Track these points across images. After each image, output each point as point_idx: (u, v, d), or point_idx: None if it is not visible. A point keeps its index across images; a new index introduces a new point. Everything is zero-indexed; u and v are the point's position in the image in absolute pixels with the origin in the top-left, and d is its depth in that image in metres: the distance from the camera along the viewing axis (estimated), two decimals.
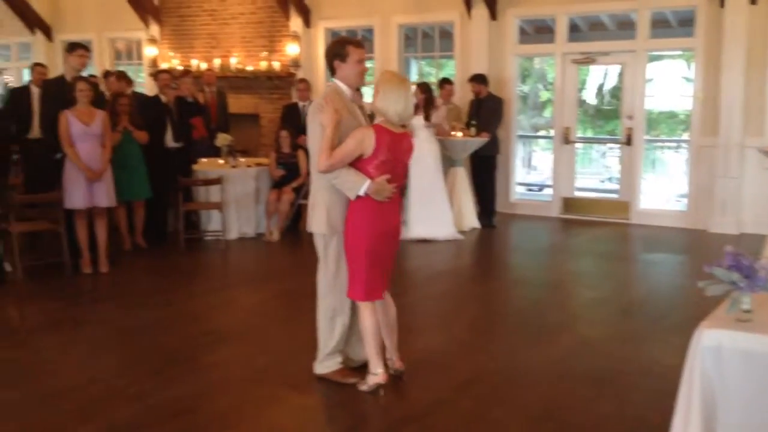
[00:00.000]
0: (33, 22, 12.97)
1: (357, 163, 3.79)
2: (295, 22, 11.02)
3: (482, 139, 8.68)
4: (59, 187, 6.56)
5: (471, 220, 8.80)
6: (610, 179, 12.83)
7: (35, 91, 8.15)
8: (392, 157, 3.81)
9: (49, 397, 4.03)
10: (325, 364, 4.18)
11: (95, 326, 5.36)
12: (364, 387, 4.01)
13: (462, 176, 8.79)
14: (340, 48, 3.94)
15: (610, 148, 13.17)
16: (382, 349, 4.08)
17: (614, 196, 10.18)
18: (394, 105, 3.79)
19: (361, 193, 3.77)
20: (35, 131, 7.87)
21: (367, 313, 3.95)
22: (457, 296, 6.24)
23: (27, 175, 7.97)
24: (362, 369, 4.10)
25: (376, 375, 3.97)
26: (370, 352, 3.98)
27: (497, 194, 9.32)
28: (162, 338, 5.03)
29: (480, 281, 6.77)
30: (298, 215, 8.57)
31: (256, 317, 5.64)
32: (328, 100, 3.85)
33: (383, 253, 3.91)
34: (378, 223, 3.84)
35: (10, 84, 13.30)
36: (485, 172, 9.04)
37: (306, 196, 8.32)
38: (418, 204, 7.93)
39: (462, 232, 8.38)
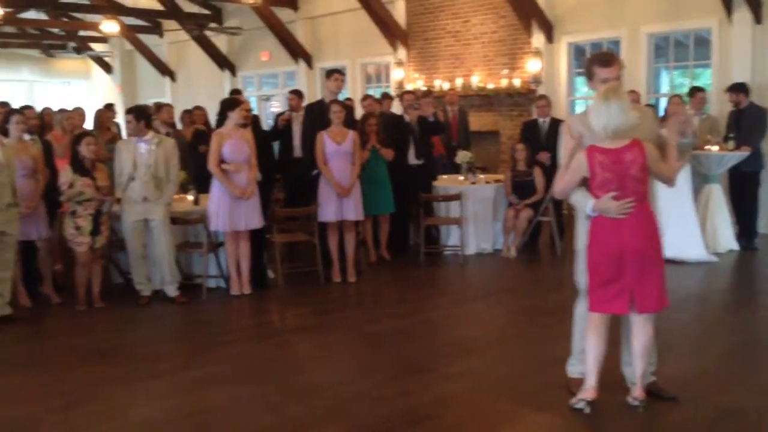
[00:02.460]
0: (297, 52, 14.31)
1: (587, 183, 3.82)
2: (537, 39, 10.96)
3: (742, 154, 7.93)
4: (315, 202, 7.15)
5: (728, 241, 8.06)
6: None
7: (293, 115, 8.99)
8: (612, 174, 3.72)
9: (302, 394, 4.40)
10: (573, 368, 4.21)
11: (344, 331, 5.74)
12: (572, 400, 3.94)
13: (717, 194, 8.08)
14: (587, 67, 3.97)
15: None
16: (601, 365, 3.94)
17: None
18: (595, 119, 3.72)
19: (588, 212, 3.80)
20: (296, 151, 8.65)
21: (590, 323, 3.92)
22: (710, 323, 5.75)
23: (288, 190, 8.79)
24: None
25: (584, 390, 3.91)
26: (586, 364, 3.93)
27: (760, 214, 8.43)
28: (405, 346, 5.26)
29: (737, 308, 6.17)
30: (537, 232, 8.47)
31: (497, 331, 5.67)
32: (567, 124, 3.95)
33: (617, 271, 3.78)
34: (609, 241, 3.77)
35: (275, 109, 14.75)
36: (746, 189, 8.23)
37: (545, 213, 8.25)
38: (664, 222, 7.42)
39: (717, 254, 7.71)
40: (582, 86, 11.06)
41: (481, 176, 8.83)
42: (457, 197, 8.03)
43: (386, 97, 8.89)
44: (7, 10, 12.91)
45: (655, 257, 3.81)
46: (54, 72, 20.92)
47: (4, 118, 6.43)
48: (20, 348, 5.50)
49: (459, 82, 11.74)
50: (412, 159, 8.35)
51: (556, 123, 8.40)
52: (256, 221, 6.67)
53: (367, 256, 8.05)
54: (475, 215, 8.31)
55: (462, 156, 8.92)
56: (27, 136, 6.66)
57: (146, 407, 4.30)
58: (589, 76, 3.94)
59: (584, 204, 3.82)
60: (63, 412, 4.22)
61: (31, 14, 15.70)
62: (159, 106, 9.27)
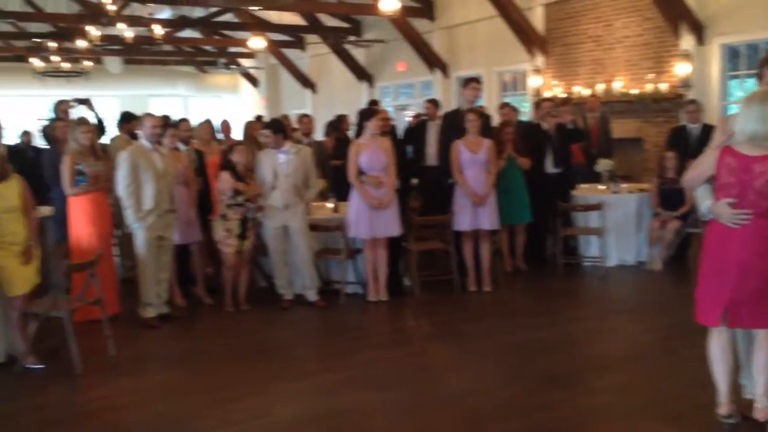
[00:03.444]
0: (433, 62, 14.42)
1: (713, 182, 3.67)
2: (686, 41, 10.42)
3: None
4: (450, 211, 7.16)
5: None
6: None
7: (430, 124, 9.05)
8: (736, 180, 3.50)
9: (440, 402, 4.41)
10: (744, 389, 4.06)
11: (480, 341, 5.70)
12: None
13: None
14: (760, 66, 3.83)
15: None
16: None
17: None
18: (742, 124, 3.51)
19: (704, 211, 3.69)
20: (431, 159, 8.71)
21: (711, 337, 3.78)
22: None
23: (424, 199, 8.86)
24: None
25: (718, 404, 3.80)
26: (715, 378, 3.81)
27: None
28: (543, 358, 5.15)
29: None
30: (686, 244, 8.03)
31: (640, 347, 5.43)
32: (724, 119, 3.81)
33: (723, 282, 3.58)
34: (718, 249, 3.59)
35: (409, 119, 14.92)
36: None
37: (695, 224, 7.78)
38: None
39: None
40: (737, 90, 10.38)
41: (624, 185, 8.49)
42: (597, 207, 7.77)
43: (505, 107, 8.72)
44: (166, 30, 13.90)
45: (763, 274, 3.54)
46: (206, 87, 22.31)
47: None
48: (175, 345, 5.88)
49: (600, 88, 11.37)
50: (550, 167, 8.17)
51: (708, 129, 7.92)
52: (394, 229, 6.77)
53: (503, 266, 7.95)
54: (616, 225, 8.00)
55: (603, 164, 8.63)
56: (181, 146, 7.12)
57: (289, 406, 4.47)
58: (760, 77, 3.78)
59: (702, 202, 3.70)
60: (213, 407, 4.46)
61: (186, 33, 16.82)
62: (299, 117, 9.64)
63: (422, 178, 8.96)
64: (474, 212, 7.03)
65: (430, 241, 7.50)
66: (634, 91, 11.01)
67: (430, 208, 8.21)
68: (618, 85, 11.22)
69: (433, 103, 9.40)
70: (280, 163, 6.63)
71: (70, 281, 5.86)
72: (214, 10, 14.99)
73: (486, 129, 7.29)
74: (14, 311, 5.22)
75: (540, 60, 12.52)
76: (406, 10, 13.14)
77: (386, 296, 6.89)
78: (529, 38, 12.43)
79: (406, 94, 16.35)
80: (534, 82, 12.49)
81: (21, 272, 5.13)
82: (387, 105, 15.25)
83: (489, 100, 12.81)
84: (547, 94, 11.84)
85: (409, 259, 7.25)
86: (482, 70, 13.49)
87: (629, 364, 4.99)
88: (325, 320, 6.48)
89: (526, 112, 12.64)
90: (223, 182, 6.55)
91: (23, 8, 14.71)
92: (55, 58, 15.99)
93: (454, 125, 7.28)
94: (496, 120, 8.47)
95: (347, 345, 5.71)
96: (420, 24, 14.24)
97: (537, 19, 12.44)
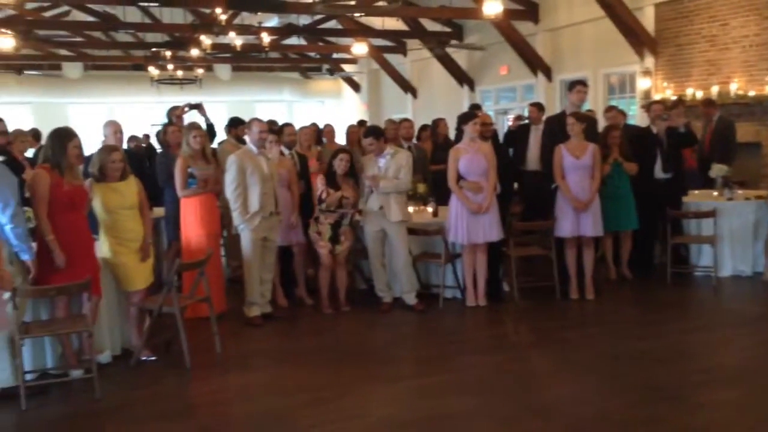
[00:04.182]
0: (536, 65, 14.19)
1: None
2: None
3: None
4: (552, 216, 7.01)
5: None
6: None
7: (532, 128, 8.89)
8: None
9: (539, 411, 4.32)
10: None
11: (582, 350, 5.55)
12: None
13: None
14: None
15: None
16: None
17: None
18: None
19: None
20: (532, 163, 8.56)
21: None
22: None
23: (525, 204, 8.72)
24: None
25: None
26: None
27: None
28: (649, 370, 4.96)
29: None
30: None
31: (755, 361, 5.14)
32: None
33: None
34: None
35: (510, 122, 14.73)
36: None
37: None
38: None
39: None
40: None
41: (739, 191, 8.06)
42: (710, 214, 7.40)
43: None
44: (273, 37, 14.34)
45: None
46: (310, 92, 22.85)
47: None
48: (277, 344, 6.04)
49: (714, 90, 10.83)
50: (659, 173, 7.85)
51: None
52: (494, 234, 6.70)
53: (607, 274, 7.71)
54: (731, 234, 7.60)
55: (717, 170, 8.21)
56: (286, 151, 7.31)
57: (387, 408, 4.50)
58: None
59: None
60: (312, 406, 4.56)
61: (292, 40, 17.29)
62: (400, 122, 9.68)
63: (524, 183, 8.82)
64: (576, 218, 6.86)
65: (531, 246, 7.37)
66: (752, 93, 10.42)
67: (532, 214, 8.07)
68: (734, 87, 10.65)
69: (537, 106, 9.24)
70: (379, 167, 6.70)
71: (181, 280, 6.13)
72: (319, 17, 15.33)
73: (591, 133, 7.10)
74: (132, 307, 5.53)
75: (650, 61, 12.07)
76: (509, 13, 13.00)
77: (485, 302, 6.82)
78: (638, 39, 12.01)
79: (507, 97, 16.16)
80: (643, 84, 12.05)
81: (139, 269, 5.44)
82: (488, 109, 15.12)
83: (595, 103, 12.47)
84: (656, 96, 11.39)
85: (508, 264, 7.15)
86: (588, 72, 13.14)
87: (743, 379, 4.73)
88: (423, 324, 6.49)
89: (633, 115, 12.22)
90: (316, 188, 6.71)
91: (142, 19, 15.54)
92: (170, 67, 16.82)
93: (557, 129, 7.13)
94: (602, 124, 8.24)
95: (445, 349, 5.69)
96: (523, 27, 14.04)
97: (647, 19, 12.00)
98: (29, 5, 13.90)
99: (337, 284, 6.86)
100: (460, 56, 16.19)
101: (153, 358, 5.47)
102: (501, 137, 9.16)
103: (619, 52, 12.42)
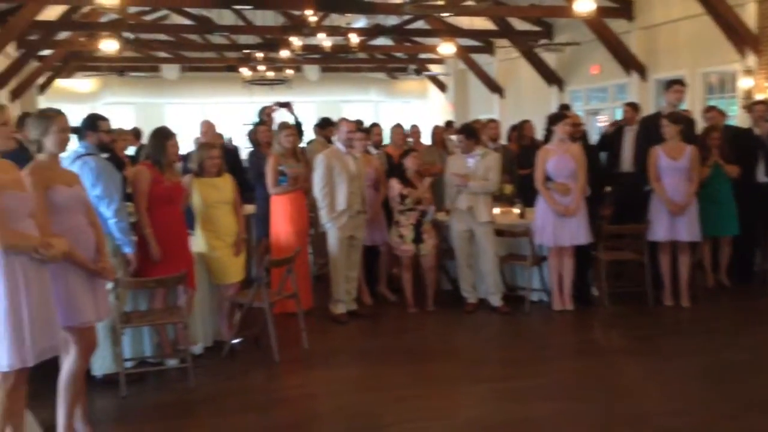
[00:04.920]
0: (630, 64, 13.77)
1: None
2: None
3: None
4: (645, 220, 6.79)
5: None
6: None
7: (626, 129, 8.64)
8: None
9: (629, 419, 4.20)
10: None
11: (676, 358, 5.35)
12: None
13: None
14: None
15: None
16: None
17: None
18: None
19: None
20: (626, 165, 8.31)
21: None
22: None
23: (617, 206, 8.47)
24: None
25: None
26: None
27: None
28: (748, 381, 4.75)
29: None
30: None
31: None
32: None
33: None
34: None
35: (602, 123, 14.34)
36: None
37: None
38: None
39: None
40: None
41: None
42: None
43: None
44: (361, 38, 14.48)
45: None
46: (396, 92, 22.95)
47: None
48: (362, 341, 6.10)
49: None
50: (762, 176, 7.47)
51: None
52: (581, 237, 6.55)
53: (704, 281, 7.40)
54: None
55: None
56: (373, 150, 7.38)
57: (471, 410, 4.48)
58: None
59: None
60: (396, 403, 4.58)
61: (379, 41, 17.41)
62: (487, 123, 9.61)
63: (616, 185, 8.58)
64: (671, 222, 6.62)
65: (623, 250, 7.16)
66: None
67: (624, 217, 7.84)
68: None
69: (632, 106, 8.97)
70: (468, 167, 6.67)
71: (270, 276, 6.28)
72: (406, 17, 15.38)
73: (688, 134, 6.83)
74: (224, 300, 5.71)
75: (752, 60, 11.50)
76: (602, 11, 12.66)
77: (572, 306, 6.68)
78: (739, 37, 11.47)
79: (598, 98, 15.74)
80: (744, 83, 11.49)
81: (233, 263, 5.63)
82: (578, 109, 14.77)
83: (692, 104, 11.98)
84: (759, 96, 10.85)
85: (598, 268, 6.97)
86: (685, 71, 12.64)
87: None
88: (509, 326, 6.41)
89: (734, 116, 11.68)
90: (391, 189, 6.72)
91: (236, 22, 16.00)
92: (261, 68, 17.25)
93: (652, 130, 6.90)
94: (700, 125, 7.92)
95: (531, 353, 5.61)
96: (616, 24, 13.64)
97: (749, 16, 11.44)
98: (131, 10, 14.55)
99: (424, 283, 6.87)
100: (549, 56, 15.90)
101: (240, 339, 5.68)
102: (591, 138, 8.95)
103: (719, 51, 11.90)
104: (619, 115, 13.31)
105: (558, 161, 6.51)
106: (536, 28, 15.72)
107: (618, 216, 8.14)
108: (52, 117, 3.78)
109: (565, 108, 10.19)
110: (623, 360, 5.42)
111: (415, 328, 6.40)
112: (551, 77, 16.16)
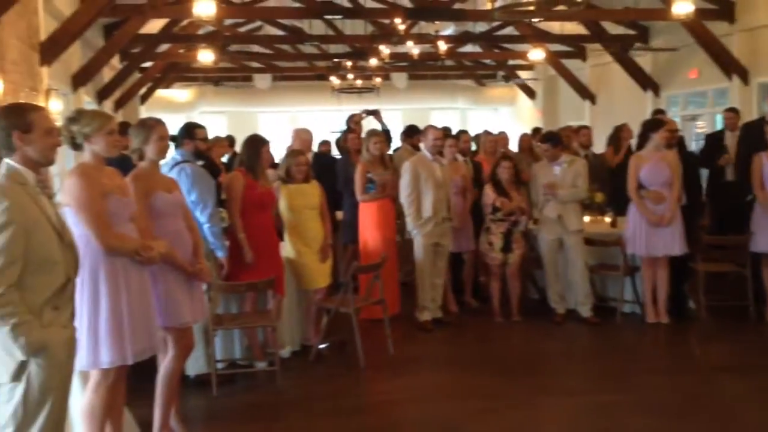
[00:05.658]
0: (730, 67, 13.18)
1: None
2: None
3: None
4: (748, 230, 6.46)
5: None
6: None
7: (728, 135, 8.26)
8: None
9: None
10: None
11: None
12: None
13: None
14: None
15: None
16: None
17: None
18: None
19: None
20: (729, 174, 7.95)
21: None
22: None
23: (716, 216, 8.11)
24: None
25: None
26: None
27: None
28: None
29: None
30: None
31: None
32: None
33: None
34: None
35: (701, 129, 13.79)
36: None
37: None
38: None
39: None
40: None
41: None
42: None
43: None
44: (450, 45, 14.46)
45: None
46: (484, 99, 22.78)
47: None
48: (447, 349, 6.07)
49: None
50: None
51: None
52: (676, 248, 6.30)
53: None
54: None
55: None
56: (460, 157, 7.34)
57: (560, 424, 4.38)
58: None
59: None
60: (481, 414, 4.53)
61: (467, 48, 17.33)
62: (577, 129, 9.38)
63: (716, 194, 8.21)
64: None
65: (723, 262, 6.83)
66: None
67: (725, 227, 7.49)
68: None
69: (735, 112, 8.59)
70: (554, 175, 6.54)
71: (357, 282, 6.34)
72: (496, 24, 15.26)
73: None
74: (312, 305, 5.81)
75: None
76: (701, 13, 12.17)
77: (667, 318, 6.43)
78: None
79: (696, 103, 15.12)
80: None
81: (320, 269, 5.72)
82: (674, 115, 14.24)
83: None
84: None
85: (695, 280, 6.68)
86: None
87: None
88: (599, 338, 6.23)
89: None
90: (485, 196, 6.65)
91: (326, 32, 16.30)
92: (350, 76, 17.49)
93: (755, 137, 6.58)
94: None
95: (622, 366, 5.43)
96: (716, 27, 13.08)
97: None
98: (227, 22, 15.06)
99: (509, 293, 6.78)
100: (644, 60, 15.40)
101: (326, 344, 5.75)
102: (689, 145, 8.60)
103: None
104: (719, 121, 12.76)
105: (652, 168, 6.30)
106: (631, 32, 15.27)
107: (718, 226, 7.80)
108: (153, 126, 3.94)
109: (658, 113, 9.83)
110: (722, 377, 5.16)
111: (501, 337, 6.32)
112: (646, 82, 15.65)
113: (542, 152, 6.67)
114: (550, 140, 6.70)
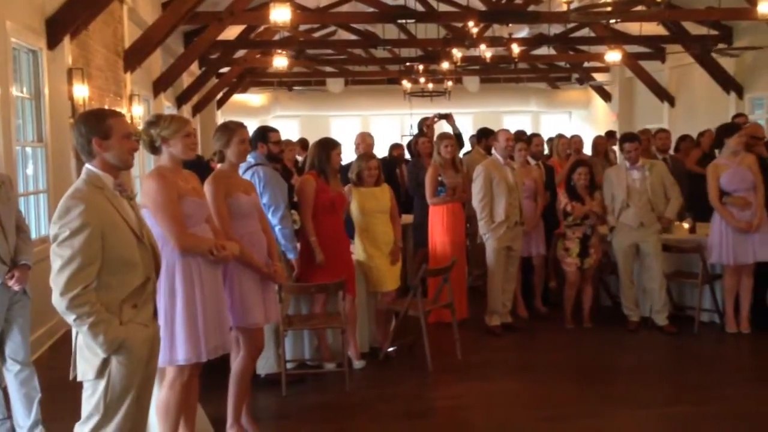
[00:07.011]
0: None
1: None
2: None
3: None
4: None
5: None
6: None
7: None
8: None
9: None
10: None
11: None
12: None
13: None
14: None
15: None
16: None
17: None
18: None
19: None
20: None
21: None
22: None
23: None
24: None
25: None
26: None
27: None
28: None
29: None
30: None
31: None
32: None
33: None
34: None
35: None
36: None
37: None
38: None
39: None
40: None
41: None
42: None
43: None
44: (522, 48, 14.28)
45: None
46: (557, 102, 22.41)
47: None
48: (516, 355, 5.99)
49: None
50: None
51: None
52: (766, 253, 6.06)
53: None
54: None
55: None
56: (531, 161, 7.24)
57: None
58: None
59: None
60: (552, 422, 4.46)
61: (541, 50, 17.08)
62: (656, 133, 9.11)
63: None
64: None
65: None
66: None
67: None
68: None
69: None
70: (633, 180, 6.38)
71: (426, 285, 6.33)
72: (571, 25, 14.98)
73: None
74: (381, 307, 5.84)
75: None
76: None
77: (748, 329, 6.18)
78: None
79: None
80: None
81: (389, 271, 5.74)
82: (758, 118, 13.67)
83: None
84: None
85: None
86: None
87: None
88: (675, 348, 6.04)
89: None
90: (558, 202, 6.55)
91: (399, 36, 16.36)
92: (422, 80, 17.51)
93: None
94: None
95: (700, 377, 5.25)
96: None
97: None
98: (302, 27, 15.31)
99: (582, 299, 6.65)
100: (727, 61, 14.84)
101: (395, 347, 5.77)
102: None
103: None
104: None
105: (733, 174, 6.07)
106: (713, 32, 14.74)
107: None
108: (234, 129, 4.05)
109: (738, 116, 9.45)
110: None
111: (572, 344, 6.20)
112: (729, 84, 15.08)
113: (625, 153, 6.49)
114: (636, 139, 6.55)
